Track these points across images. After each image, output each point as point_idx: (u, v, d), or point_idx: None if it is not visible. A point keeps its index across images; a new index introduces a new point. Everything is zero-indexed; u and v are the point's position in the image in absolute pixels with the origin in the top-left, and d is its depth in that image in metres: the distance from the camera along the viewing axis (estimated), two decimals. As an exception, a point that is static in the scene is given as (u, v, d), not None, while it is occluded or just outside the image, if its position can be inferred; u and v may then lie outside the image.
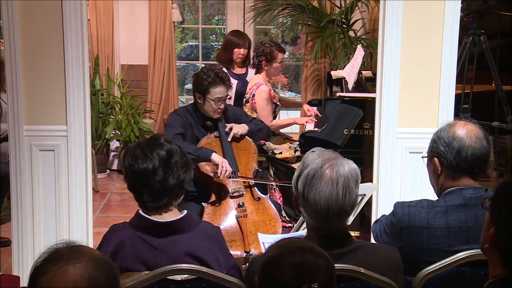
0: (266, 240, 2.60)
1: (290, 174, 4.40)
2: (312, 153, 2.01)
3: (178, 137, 3.62)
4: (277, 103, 4.79)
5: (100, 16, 6.44)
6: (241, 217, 3.57)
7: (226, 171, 3.56)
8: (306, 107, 5.08)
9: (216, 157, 3.59)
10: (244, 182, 3.73)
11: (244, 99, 4.78)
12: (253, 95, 4.67)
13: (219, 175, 3.56)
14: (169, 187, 2.20)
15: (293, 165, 4.58)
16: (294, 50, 9.49)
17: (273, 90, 4.94)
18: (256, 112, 4.66)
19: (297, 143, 4.73)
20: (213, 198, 3.67)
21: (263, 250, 2.72)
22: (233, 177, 3.68)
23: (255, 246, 3.41)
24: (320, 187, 1.92)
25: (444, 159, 2.25)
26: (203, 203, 3.65)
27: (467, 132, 2.24)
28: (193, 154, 3.50)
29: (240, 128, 3.87)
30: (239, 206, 3.62)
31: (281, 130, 5.02)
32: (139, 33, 6.62)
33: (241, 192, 3.68)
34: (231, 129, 3.82)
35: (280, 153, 4.64)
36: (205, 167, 3.70)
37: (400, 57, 3.32)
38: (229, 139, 3.81)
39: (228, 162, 3.66)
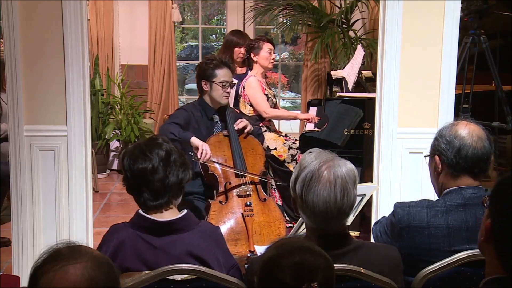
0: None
1: (286, 175, 4.43)
2: (310, 154, 2.00)
3: (174, 124, 3.68)
4: (269, 96, 4.81)
5: (100, 16, 6.45)
6: (248, 216, 3.58)
7: (206, 154, 3.59)
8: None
9: (195, 140, 3.63)
10: (251, 182, 3.75)
11: (238, 94, 4.83)
12: (244, 88, 4.72)
13: (199, 157, 3.58)
14: (170, 184, 2.21)
15: (289, 165, 4.59)
16: (294, 50, 9.49)
17: (273, 90, 4.95)
18: (251, 106, 4.69)
19: (292, 141, 4.74)
20: (220, 195, 3.68)
21: None
22: (240, 174, 3.72)
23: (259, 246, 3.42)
24: (318, 189, 1.91)
25: (445, 157, 2.25)
26: (209, 200, 3.67)
27: (469, 131, 2.24)
28: (176, 136, 3.58)
29: (250, 126, 3.95)
30: (246, 205, 3.63)
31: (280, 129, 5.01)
32: (139, 33, 6.62)
33: (248, 192, 3.70)
34: (242, 122, 3.90)
35: (275, 149, 4.65)
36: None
37: (400, 57, 3.32)
38: (237, 128, 3.86)
39: (237, 160, 3.71)
